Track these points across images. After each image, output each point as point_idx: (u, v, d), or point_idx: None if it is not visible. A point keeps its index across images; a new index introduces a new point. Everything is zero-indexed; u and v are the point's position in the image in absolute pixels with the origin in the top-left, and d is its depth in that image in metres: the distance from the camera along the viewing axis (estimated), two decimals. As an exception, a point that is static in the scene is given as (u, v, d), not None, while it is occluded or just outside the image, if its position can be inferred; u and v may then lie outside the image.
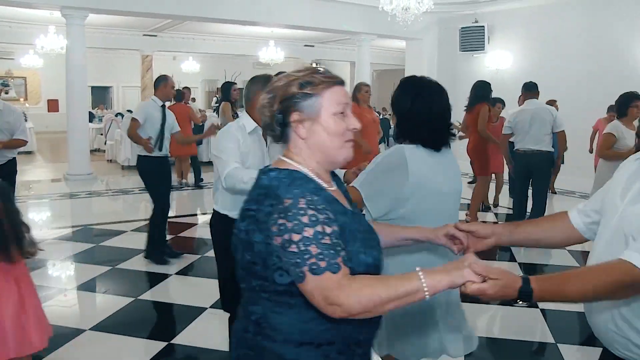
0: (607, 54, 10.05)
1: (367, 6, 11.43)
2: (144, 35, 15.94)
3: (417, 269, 1.33)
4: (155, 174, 5.22)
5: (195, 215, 7.73)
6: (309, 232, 1.32)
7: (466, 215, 6.90)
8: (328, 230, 1.34)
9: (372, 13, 11.97)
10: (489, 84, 7.01)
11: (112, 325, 3.91)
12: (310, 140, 1.48)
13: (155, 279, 4.92)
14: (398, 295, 1.30)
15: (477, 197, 7.07)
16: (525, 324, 4.12)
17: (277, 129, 1.50)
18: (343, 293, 1.29)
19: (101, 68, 18.93)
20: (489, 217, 7.65)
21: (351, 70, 22.06)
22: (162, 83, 5.21)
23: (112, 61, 19.98)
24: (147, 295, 4.53)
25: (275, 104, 1.48)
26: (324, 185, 1.49)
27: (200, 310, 4.18)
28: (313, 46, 18.52)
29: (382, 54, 17.46)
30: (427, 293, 1.30)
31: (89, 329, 3.79)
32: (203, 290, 4.75)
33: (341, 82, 1.52)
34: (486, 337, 3.86)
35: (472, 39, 12.52)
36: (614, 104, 5.73)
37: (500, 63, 12.31)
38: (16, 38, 14.68)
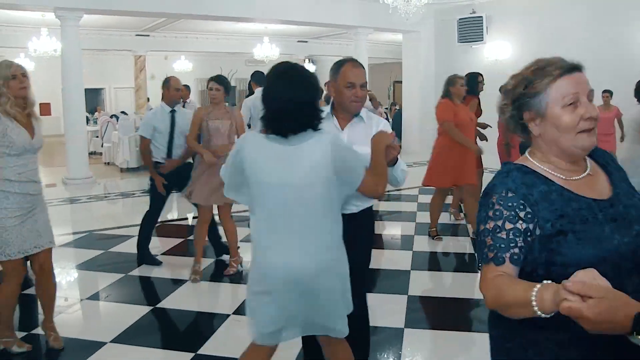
0: (607, 44, 9.97)
1: (363, -1, 11.31)
2: (137, 35, 15.71)
3: (545, 282, 1.21)
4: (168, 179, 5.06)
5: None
6: (490, 224, 1.42)
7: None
8: (508, 226, 1.39)
9: (369, 6, 11.87)
10: (477, 76, 6.79)
11: (134, 336, 3.76)
12: (544, 136, 1.50)
13: (170, 286, 4.77)
14: (512, 303, 1.28)
15: None
16: None
17: (518, 130, 1.56)
18: (484, 285, 1.38)
19: (93, 70, 18.62)
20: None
21: (344, 65, 22.00)
22: (164, 87, 5.03)
23: (103, 62, 19.71)
24: (165, 303, 4.37)
25: (510, 106, 1.55)
26: (561, 178, 1.48)
27: (222, 318, 4.05)
28: (307, 42, 18.36)
29: (377, 48, 17.32)
30: (536, 308, 1.20)
31: (110, 342, 3.64)
32: (222, 296, 4.64)
33: (573, 69, 1.49)
34: None
35: (471, 29, 12.42)
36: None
37: (499, 54, 12.22)
38: (7, 41, 14.39)
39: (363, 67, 2.78)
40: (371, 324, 3.09)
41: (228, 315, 4.08)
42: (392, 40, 16.77)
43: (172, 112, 5.00)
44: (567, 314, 1.11)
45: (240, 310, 4.11)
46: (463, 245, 6.00)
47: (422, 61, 13.40)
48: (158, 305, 4.31)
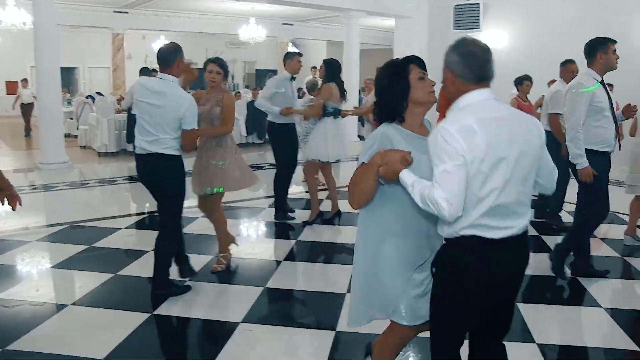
0: (604, 34, 9.63)
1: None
2: (115, 12, 14.90)
3: None
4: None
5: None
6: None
7: None
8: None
9: (363, -12, 11.40)
10: None
11: (132, 350, 3.26)
12: None
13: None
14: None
15: None
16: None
17: None
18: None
19: (65, 47, 17.70)
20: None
21: (328, 49, 21.46)
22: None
23: (77, 40, 18.75)
24: (164, 309, 3.84)
25: None
26: None
27: (231, 327, 3.56)
28: (292, 24, 17.77)
29: (368, 34, 16.84)
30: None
31: (103, 358, 3.13)
32: (229, 301, 4.13)
33: None
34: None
35: (467, 17, 12.04)
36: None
37: (495, 42, 11.84)
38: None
39: None
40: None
41: (237, 324, 3.60)
42: (383, 27, 16.31)
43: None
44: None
45: (248, 318, 3.64)
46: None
47: (415, 48, 12.91)
48: (156, 312, 3.79)
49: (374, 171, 2.07)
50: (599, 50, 4.19)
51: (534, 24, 11.20)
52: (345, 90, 6.10)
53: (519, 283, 2.20)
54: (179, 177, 3.93)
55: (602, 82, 4.23)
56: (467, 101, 2.02)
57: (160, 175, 3.88)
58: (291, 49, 19.18)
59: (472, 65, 2.01)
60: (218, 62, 4.45)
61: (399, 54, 13.34)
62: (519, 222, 2.05)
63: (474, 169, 1.90)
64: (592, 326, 3.80)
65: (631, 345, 3.42)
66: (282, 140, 6.08)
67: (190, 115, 3.80)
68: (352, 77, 12.96)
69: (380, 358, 2.56)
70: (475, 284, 2.03)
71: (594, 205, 4.34)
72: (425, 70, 2.29)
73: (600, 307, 3.98)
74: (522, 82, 7.14)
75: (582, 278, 4.46)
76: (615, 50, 4.23)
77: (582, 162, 4.16)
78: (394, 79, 2.23)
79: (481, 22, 11.91)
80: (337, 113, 5.97)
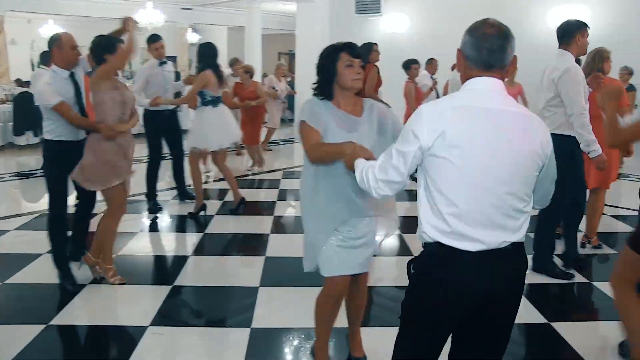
0: (506, 20, 10.03)
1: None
2: (-7, -8, 13.61)
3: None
4: None
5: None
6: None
7: None
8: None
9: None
10: (371, 45, 6.74)
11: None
12: None
13: (63, 295, 3.90)
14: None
15: None
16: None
17: None
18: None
19: None
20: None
21: (228, 35, 20.95)
22: (54, 46, 3.89)
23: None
24: (63, 318, 3.52)
25: None
26: None
27: (139, 331, 3.33)
28: (191, 9, 17.15)
29: (270, 18, 16.59)
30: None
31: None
32: (135, 303, 3.85)
33: None
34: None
35: (368, 1, 12.13)
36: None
37: (396, 26, 12.08)
38: None
39: None
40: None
41: (145, 328, 3.37)
42: (283, 11, 16.14)
43: (72, 74, 3.98)
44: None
45: (157, 321, 3.43)
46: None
47: (317, 32, 12.89)
48: (52, 323, 3.46)
49: (339, 154, 2.23)
50: (578, 33, 3.97)
51: (435, 7, 11.48)
52: (222, 76, 5.79)
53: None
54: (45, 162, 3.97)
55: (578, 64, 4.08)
56: (467, 86, 1.85)
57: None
58: (191, 34, 18.62)
59: (481, 49, 1.80)
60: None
61: (301, 38, 13.37)
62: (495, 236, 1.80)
63: (434, 154, 1.75)
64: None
65: (539, 318, 3.56)
66: (150, 128, 5.94)
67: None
68: (255, 62, 12.73)
69: (317, 315, 2.76)
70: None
71: (564, 195, 3.77)
72: (359, 57, 2.53)
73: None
74: (410, 66, 7.32)
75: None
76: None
77: (597, 149, 3.87)
78: (325, 63, 2.53)
79: (382, 6, 12.05)
80: (216, 101, 5.74)
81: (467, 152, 1.73)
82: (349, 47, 2.52)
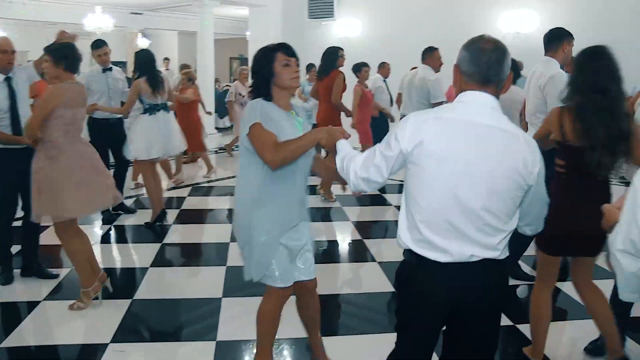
0: (457, 24, 10.18)
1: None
2: None
3: None
4: None
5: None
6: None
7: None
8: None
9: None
10: (337, 50, 6.62)
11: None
12: None
13: (14, 314, 3.74)
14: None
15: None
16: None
17: None
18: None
19: None
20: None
21: (179, 40, 20.63)
22: None
23: None
24: (14, 340, 3.33)
25: None
26: None
27: (99, 349, 3.20)
28: (141, 14, 16.80)
29: (222, 23, 16.41)
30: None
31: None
32: (94, 320, 3.69)
33: None
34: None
35: (321, 5, 12.19)
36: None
37: (349, 31, 12.13)
38: None
39: None
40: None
41: (106, 345, 3.25)
42: (235, 16, 16.02)
43: (8, 78, 3.83)
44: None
45: (119, 337, 3.31)
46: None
47: (269, 37, 12.80)
48: (4, 345, 3.30)
49: (314, 141, 2.30)
50: (565, 41, 4.00)
51: (388, 12, 11.57)
52: (160, 83, 5.57)
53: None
54: None
55: None
56: (458, 99, 1.85)
57: None
58: (141, 39, 18.24)
59: (478, 63, 1.80)
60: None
61: (254, 43, 13.26)
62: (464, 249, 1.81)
63: (412, 162, 1.81)
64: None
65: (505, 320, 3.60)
66: (95, 137, 5.64)
67: None
68: (207, 67, 12.59)
69: (262, 328, 2.62)
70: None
71: None
72: (295, 57, 2.52)
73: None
74: (361, 69, 7.37)
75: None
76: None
77: None
78: (261, 64, 2.51)
79: (335, 10, 12.09)
80: (153, 109, 5.59)
81: (441, 163, 1.76)
82: (284, 47, 2.53)
